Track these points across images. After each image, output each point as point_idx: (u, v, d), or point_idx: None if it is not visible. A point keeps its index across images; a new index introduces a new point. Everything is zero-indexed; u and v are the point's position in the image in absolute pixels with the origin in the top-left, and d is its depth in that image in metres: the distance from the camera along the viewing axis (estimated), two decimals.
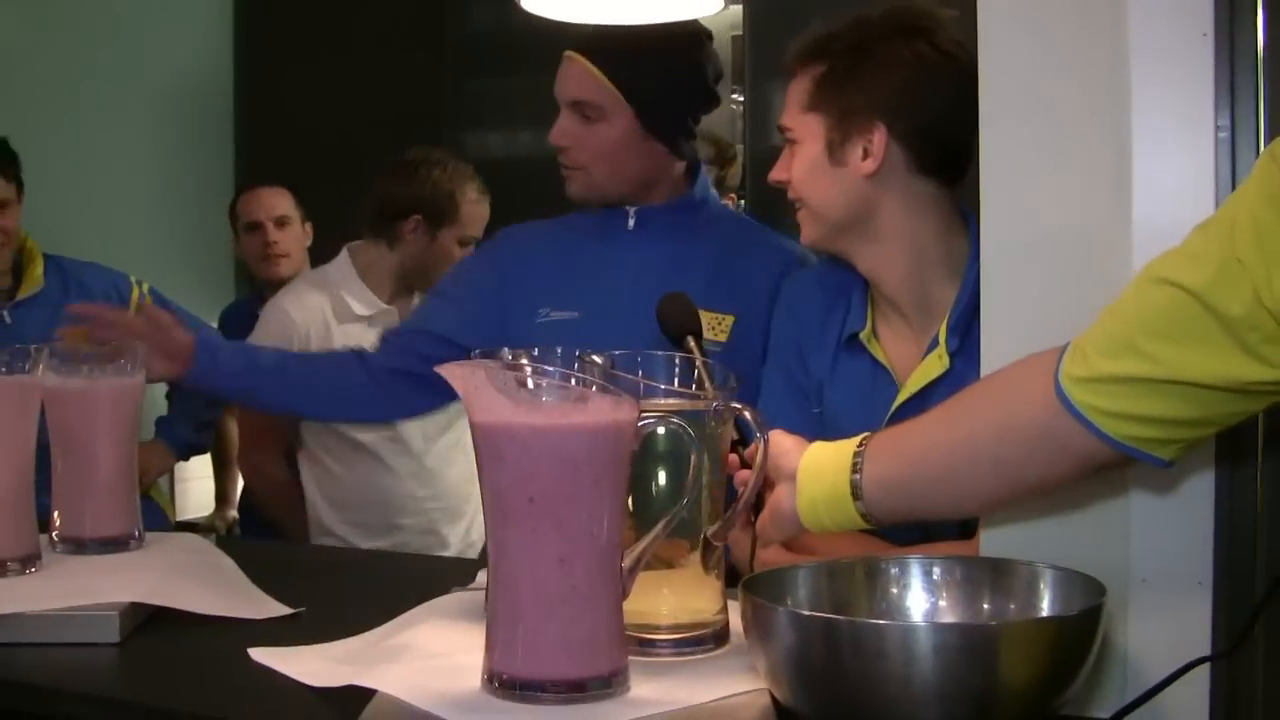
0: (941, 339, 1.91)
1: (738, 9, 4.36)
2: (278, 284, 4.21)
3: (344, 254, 3.79)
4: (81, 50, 4.84)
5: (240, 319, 4.36)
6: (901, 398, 1.93)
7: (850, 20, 1.98)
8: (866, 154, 1.93)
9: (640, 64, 2.41)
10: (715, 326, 2.37)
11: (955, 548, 1.79)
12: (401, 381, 2.58)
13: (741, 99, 4.46)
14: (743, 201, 4.27)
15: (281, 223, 4.23)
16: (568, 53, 2.45)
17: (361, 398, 2.63)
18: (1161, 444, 1.32)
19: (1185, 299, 1.24)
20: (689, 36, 2.47)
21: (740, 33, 4.40)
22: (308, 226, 4.30)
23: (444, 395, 2.56)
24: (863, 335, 2.01)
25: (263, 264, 4.23)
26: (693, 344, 1.81)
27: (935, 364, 1.91)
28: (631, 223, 2.51)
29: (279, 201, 4.25)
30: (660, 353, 1.70)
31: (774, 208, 4.21)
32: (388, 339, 2.70)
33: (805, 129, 1.97)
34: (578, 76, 2.44)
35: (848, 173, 1.95)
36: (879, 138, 1.92)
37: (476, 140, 4.82)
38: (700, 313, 2.16)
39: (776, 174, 2.02)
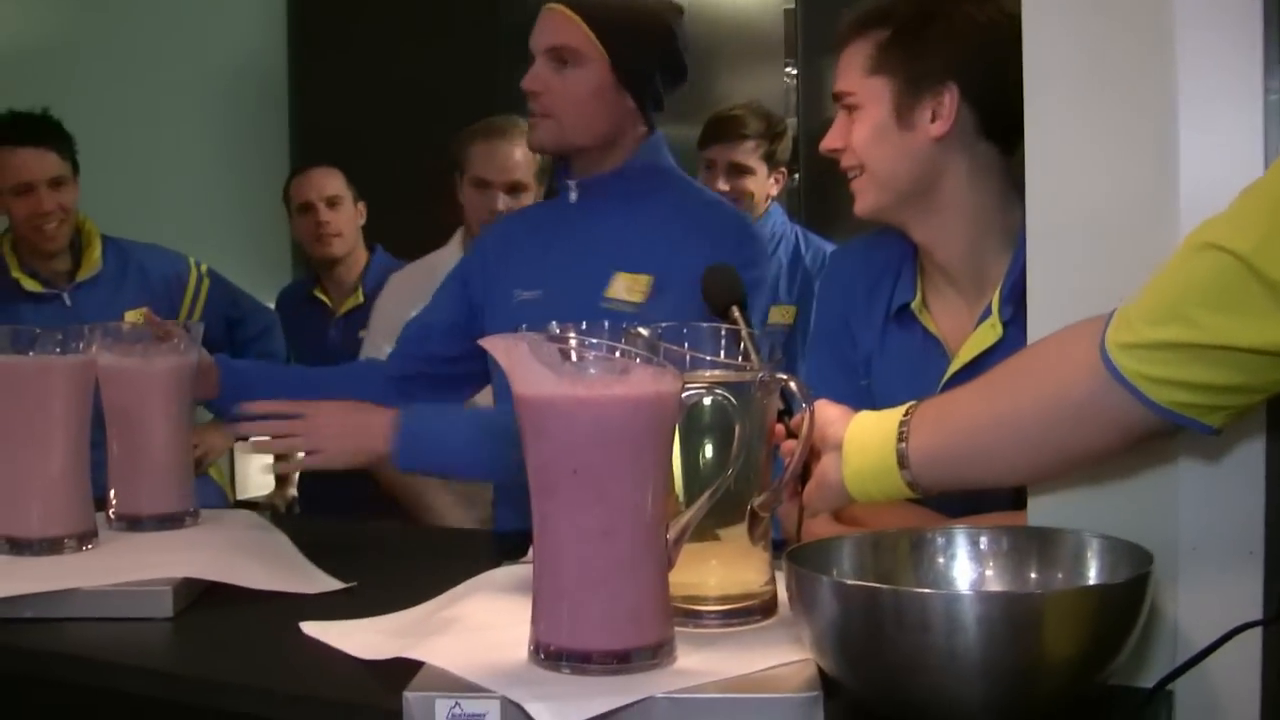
0: (995, 308, 1.89)
1: None
2: (330, 263, 4.25)
3: (455, 237, 3.81)
4: (140, 36, 4.88)
5: (297, 300, 4.39)
6: (954, 368, 1.91)
7: None
8: (935, 117, 1.91)
9: (618, 16, 2.47)
10: (631, 287, 2.40)
11: (1004, 519, 1.78)
12: (416, 385, 2.59)
13: (794, 72, 4.44)
14: (796, 176, 4.25)
15: (333, 203, 4.25)
16: (548, 5, 2.49)
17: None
18: (1208, 411, 1.31)
19: (1231, 264, 1.23)
20: (668, 4, 2.53)
21: (792, 6, 4.38)
22: (360, 206, 4.31)
23: (460, 390, 2.64)
24: (914, 306, 1.99)
25: (315, 244, 4.26)
26: (737, 314, 1.81)
27: (988, 333, 1.89)
28: (574, 196, 2.54)
29: (330, 181, 4.27)
30: (706, 324, 1.69)
31: (828, 181, 4.21)
32: (398, 347, 2.71)
33: (869, 93, 1.93)
34: (556, 23, 2.46)
35: (915, 136, 1.92)
36: (950, 100, 1.90)
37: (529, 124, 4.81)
38: (619, 275, 2.34)
39: (830, 142, 1.99)
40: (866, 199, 1.97)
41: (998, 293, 1.91)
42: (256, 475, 5.10)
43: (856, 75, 1.94)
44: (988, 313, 1.91)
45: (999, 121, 1.91)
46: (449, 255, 3.69)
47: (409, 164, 4.87)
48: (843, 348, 2.08)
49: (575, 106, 2.45)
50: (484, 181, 3.63)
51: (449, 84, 4.94)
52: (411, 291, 3.64)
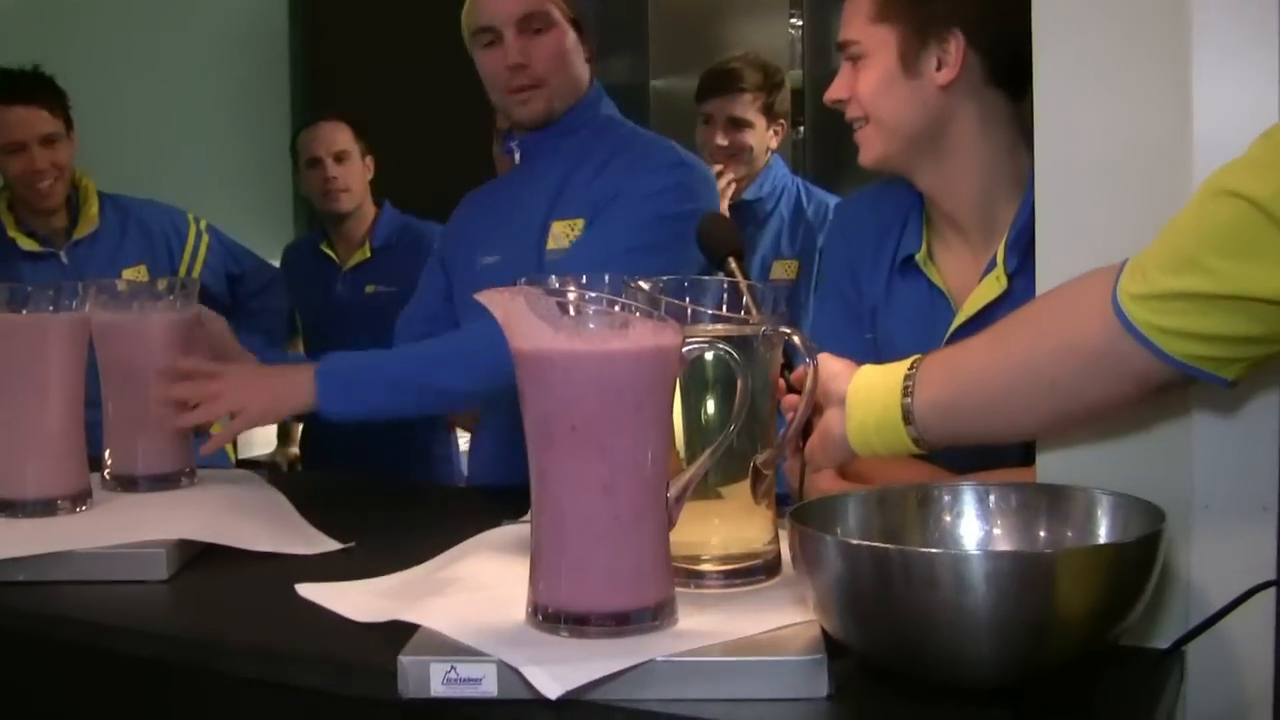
0: (1000, 259, 1.86)
1: None
2: (339, 218, 4.21)
3: None
4: None
5: (304, 255, 4.36)
6: (959, 320, 1.88)
7: None
8: (940, 65, 1.87)
9: None
10: (568, 234, 2.42)
11: (1013, 474, 1.75)
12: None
13: (799, 23, 4.39)
14: (801, 128, 4.21)
15: (340, 157, 4.20)
16: None
17: None
18: (1224, 363, 1.27)
19: (1249, 210, 1.19)
20: None
21: None
22: (369, 160, 4.27)
23: None
24: (919, 257, 1.96)
25: (323, 199, 4.22)
26: (735, 265, 1.77)
27: (993, 285, 1.86)
28: (518, 156, 2.55)
29: (338, 136, 4.23)
30: (708, 277, 1.66)
31: (833, 133, 4.16)
32: (396, 333, 2.71)
33: (875, 40, 1.89)
34: None
35: (922, 84, 1.88)
36: (956, 46, 1.86)
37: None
38: (554, 224, 2.38)
39: (835, 92, 1.94)
40: (873, 148, 1.93)
41: (1003, 243, 1.87)
42: (259, 433, 5.08)
43: (861, 24, 1.90)
44: (993, 264, 1.88)
45: (1006, 68, 1.87)
46: None
47: (415, 116, 4.83)
48: (848, 297, 2.05)
49: (559, 69, 2.47)
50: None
51: (456, 31, 4.88)
52: None
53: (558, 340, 1.34)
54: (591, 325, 1.34)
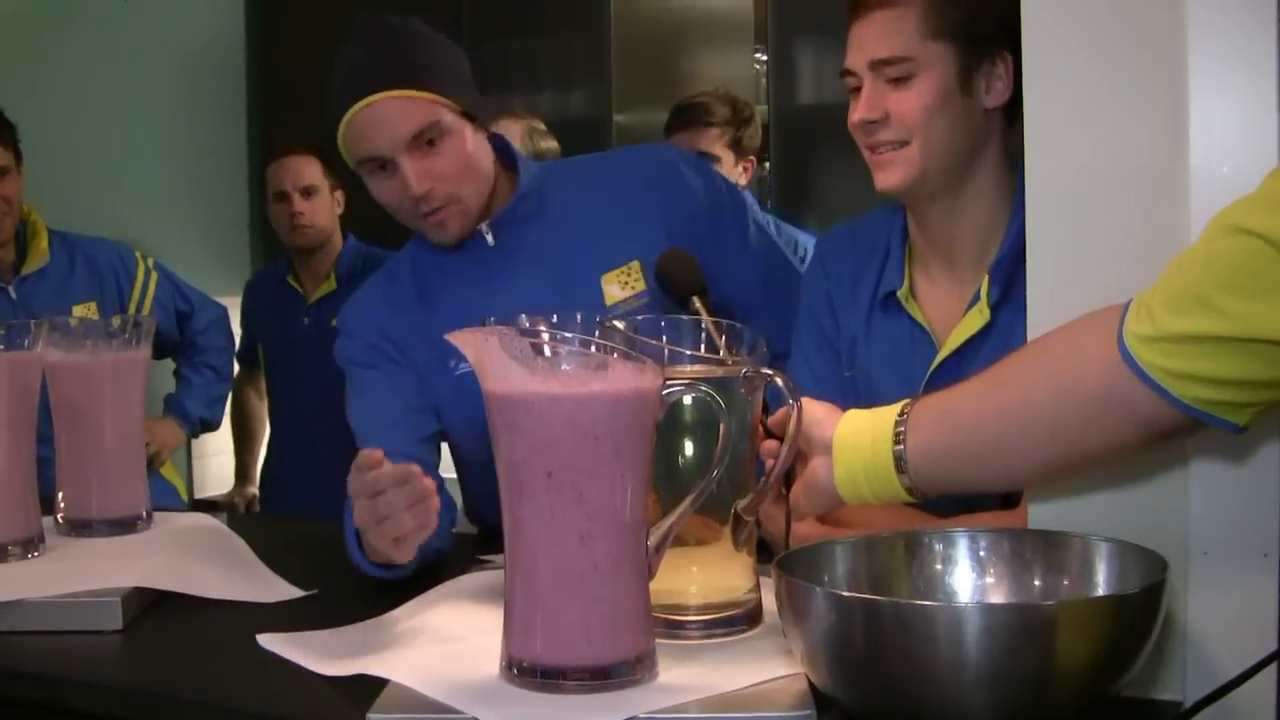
0: (983, 292, 1.81)
1: None
2: (305, 252, 4.16)
3: None
4: (90, 20, 4.74)
5: (270, 286, 4.30)
6: (941, 356, 1.83)
7: None
8: (989, 88, 1.83)
9: (459, 73, 2.19)
10: (627, 280, 2.16)
11: (999, 518, 1.70)
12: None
13: (764, 58, 4.36)
14: (766, 163, 4.18)
15: (308, 192, 4.14)
16: (367, 101, 2.11)
17: None
18: (1235, 408, 1.22)
19: (1261, 248, 1.14)
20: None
21: None
22: (339, 194, 4.21)
23: None
24: (900, 294, 1.91)
25: (290, 233, 4.16)
26: (699, 304, 1.72)
27: (976, 318, 1.81)
28: (490, 238, 2.20)
29: (305, 169, 4.16)
30: (686, 316, 1.61)
31: (800, 166, 4.15)
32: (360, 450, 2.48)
33: (929, 55, 1.81)
34: (404, 110, 2.08)
35: (973, 105, 1.83)
36: (1005, 68, 1.82)
37: (497, 102, 4.73)
38: (604, 277, 2.12)
39: (868, 112, 1.83)
40: (907, 171, 1.83)
41: (986, 275, 1.83)
42: (215, 472, 5.00)
43: (910, 38, 1.81)
44: (977, 297, 1.83)
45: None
46: None
47: None
48: (827, 333, 2.00)
49: (471, 178, 2.13)
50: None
51: None
52: None
53: (532, 382, 1.29)
54: (567, 366, 1.29)
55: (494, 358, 1.30)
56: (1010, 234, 1.82)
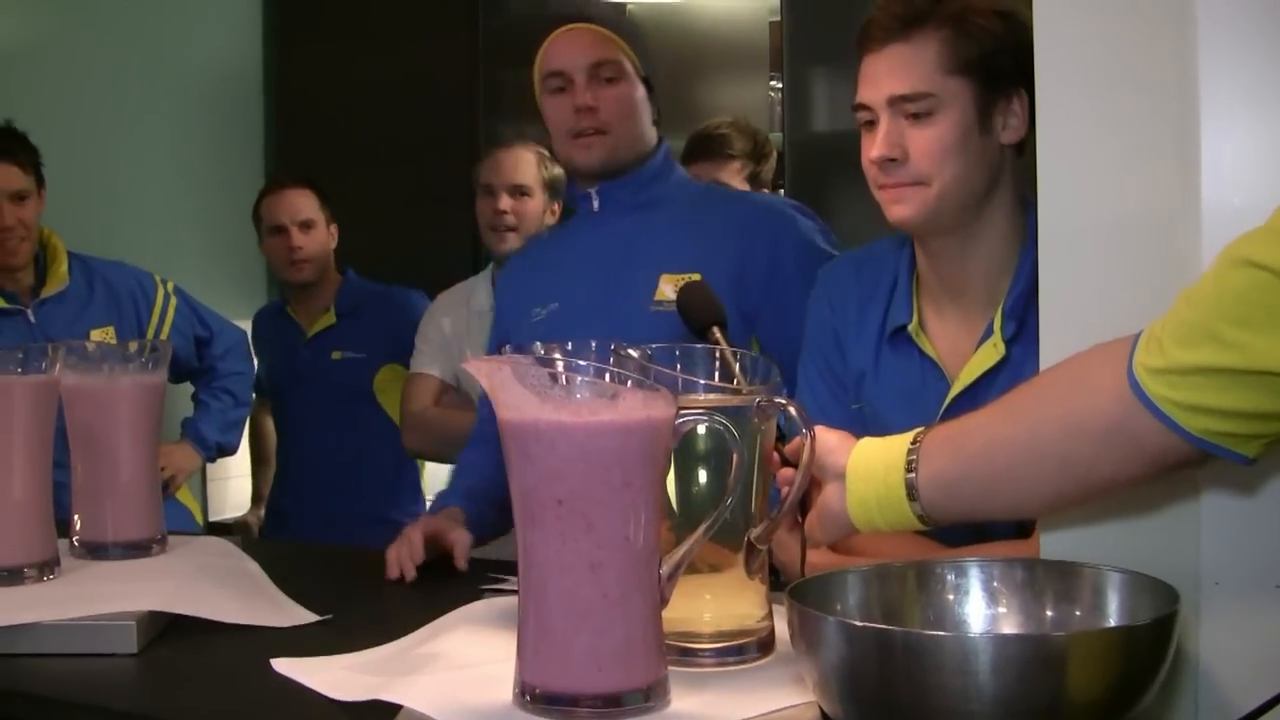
0: (996, 326, 1.81)
1: None
2: (299, 287, 4.15)
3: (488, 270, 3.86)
4: (108, 45, 4.75)
5: (272, 318, 4.30)
6: (955, 391, 1.83)
7: None
8: (1005, 124, 1.82)
9: (635, 30, 2.56)
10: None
11: (1012, 548, 1.70)
12: None
13: (780, 86, 4.37)
14: (781, 190, 4.18)
15: (306, 226, 4.11)
16: (569, 27, 2.51)
17: None
18: (1244, 440, 1.23)
19: (1269, 281, 1.15)
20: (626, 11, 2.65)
21: (778, 18, 4.31)
22: (333, 228, 4.20)
23: None
24: (910, 328, 1.91)
25: (287, 268, 4.14)
26: (718, 334, 1.73)
27: (990, 354, 1.81)
28: (596, 204, 2.52)
29: (304, 204, 4.13)
30: (699, 345, 1.61)
31: (815, 194, 4.14)
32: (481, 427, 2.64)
33: (949, 92, 1.79)
34: (592, 40, 2.47)
35: (991, 143, 1.82)
36: (1021, 105, 1.81)
37: (512, 130, 4.72)
38: (663, 277, 2.34)
39: (886, 150, 1.81)
40: (921, 207, 1.82)
41: (999, 310, 1.83)
42: (231, 495, 5.01)
43: (932, 74, 1.79)
44: (989, 332, 1.83)
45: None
46: (483, 279, 3.77)
47: (388, 175, 4.79)
48: (833, 366, 2.00)
49: (626, 119, 2.46)
50: (489, 187, 3.70)
51: (428, 90, 4.86)
52: (450, 312, 3.74)
53: (543, 410, 1.29)
54: (579, 395, 1.29)
55: (507, 386, 1.30)
56: (1024, 269, 1.81)
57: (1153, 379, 1.23)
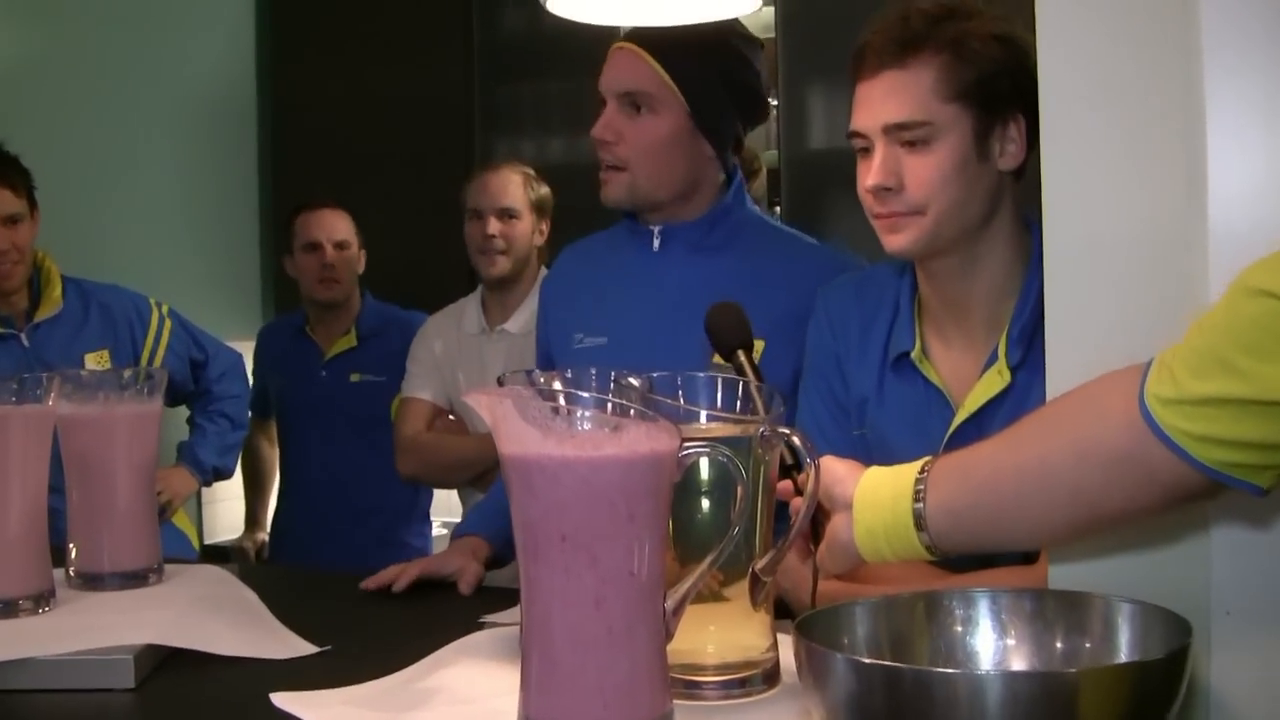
0: (1001, 353, 1.79)
1: (769, 10, 4.26)
2: (326, 306, 4.14)
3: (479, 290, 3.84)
4: (102, 65, 4.73)
5: (285, 338, 4.29)
6: (960, 418, 1.81)
7: (938, 9, 1.81)
8: (1002, 151, 1.80)
9: (696, 56, 2.27)
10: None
11: (1017, 575, 1.69)
12: None
13: (775, 103, 4.36)
14: (777, 208, 4.17)
15: (341, 246, 4.13)
16: (618, 44, 2.32)
17: None
18: (1258, 470, 1.21)
19: None
20: (744, 37, 2.35)
21: (773, 35, 4.30)
22: (362, 253, 4.21)
23: None
24: (914, 355, 1.89)
25: (317, 286, 4.14)
26: (744, 358, 1.71)
27: (995, 380, 1.79)
28: (657, 243, 2.36)
29: (340, 224, 4.16)
30: (702, 374, 1.59)
31: (812, 212, 4.13)
32: None
33: (946, 119, 1.77)
34: (630, 65, 2.28)
35: (989, 169, 1.80)
36: (1018, 129, 1.79)
37: (509, 146, 4.73)
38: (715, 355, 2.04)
39: (881, 178, 1.79)
40: (918, 235, 1.80)
41: (1004, 335, 1.81)
42: (225, 518, 4.99)
43: (928, 101, 1.77)
44: (994, 358, 1.81)
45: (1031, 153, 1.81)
46: (473, 301, 3.76)
47: (383, 192, 4.78)
48: (835, 392, 1.98)
49: (649, 157, 2.28)
50: (476, 211, 3.68)
51: (424, 107, 4.85)
52: (441, 335, 3.71)
53: (546, 444, 1.27)
54: (581, 428, 1.27)
55: (508, 419, 1.28)
56: (1029, 295, 1.80)
57: (1165, 409, 1.22)
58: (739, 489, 1.35)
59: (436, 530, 4.27)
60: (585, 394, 1.34)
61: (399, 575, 2.22)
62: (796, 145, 4.20)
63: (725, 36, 2.30)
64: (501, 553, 2.36)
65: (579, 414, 1.28)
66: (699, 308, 2.01)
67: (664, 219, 2.35)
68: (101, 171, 4.66)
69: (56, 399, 2.02)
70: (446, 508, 4.35)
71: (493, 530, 2.36)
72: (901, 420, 1.89)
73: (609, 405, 1.31)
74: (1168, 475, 1.24)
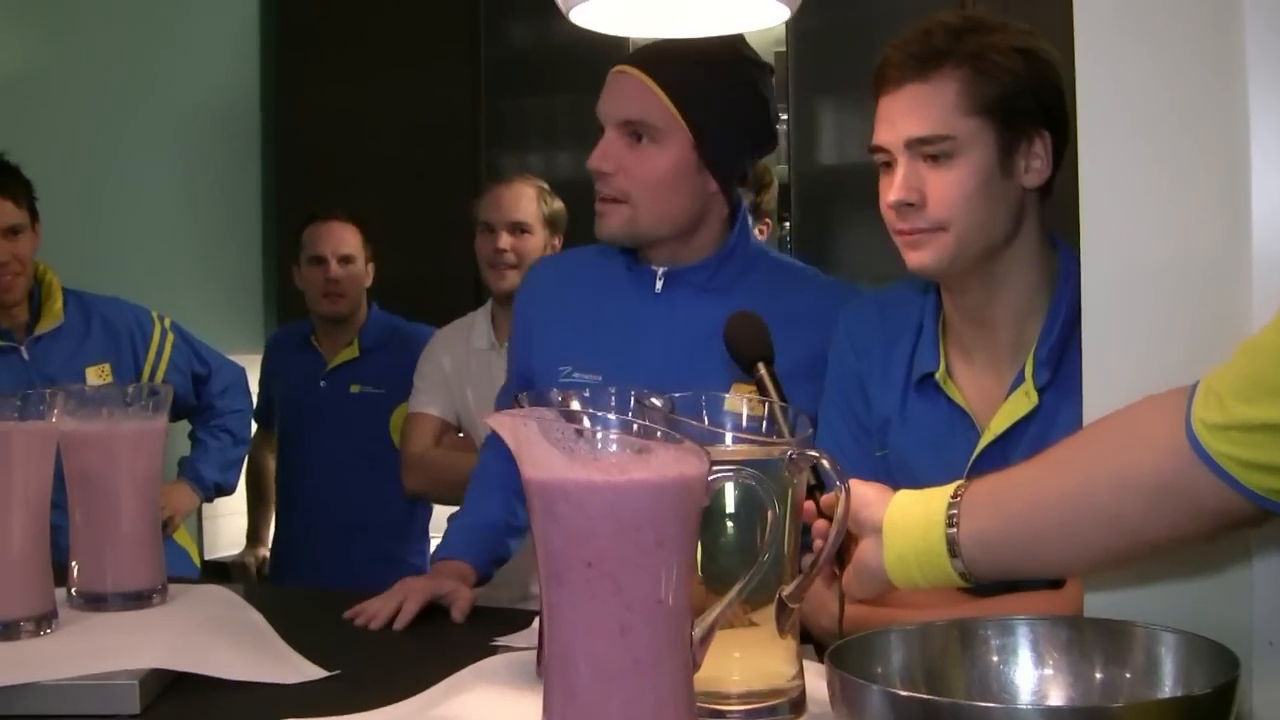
0: (1028, 374, 1.76)
1: (780, 25, 4.23)
2: (330, 320, 4.11)
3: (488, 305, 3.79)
4: (104, 77, 4.71)
5: (291, 345, 4.26)
6: (985, 441, 1.78)
7: (961, 23, 1.78)
8: (1027, 167, 1.77)
9: (704, 83, 2.15)
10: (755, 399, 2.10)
11: (1045, 599, 1.65)
12: None
13: (785, 117, 4.33)
14: (787, 223, 4.14)
15: (346, 260, 4.09)
16: (620, 67, 2.19)
17: (516, 473, 2.41)
18: None
19: None
20: (754, 64, 2.24)
21: (783, 49, 4.28)
22: (370, 267, 4.17)
23: None
24: (938, 376, 1.85)
25: (321, 299, 4.11)
26: (764, 372, 1.67)
27: (1022, 402, 1.76)
28: (659, 285, 2.24)
29: (347, 237, 4.12)
30: (726, 394, 1.55)
31: (822, 226, 4.10)
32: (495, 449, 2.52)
33: (969, 133, 1.73)
34: (632, 92, 2.16)
35: (1012, 186, 1.77)
36: (1044, 146, 1.76)
37: (514, 161, 4.70)
38: (736, 385, 1.94)
39: (904, 194, 1.75)
40: (940, 253, 1.76)
41: (1031, 357, 1.78)
42: (226, 533, 4.95)
43: (951, 115, 1.73)
44: (1020, 379, 1.78)
45: (1056, 170, 1.78)
46: (483, 315, 3.71)
47: (388, 206, 4.75)
48: (858, 413, 1.94)
49: (649, 190, 2.15)
50: (488, 224, 3.63)
51: (429, 121, 4.82)
52: (450, 350, 3.66)
53: (572, 469, 1.23)
54: (608, 452, 1.23)
55: (532, 442, 1.24)
56: (1057, 315, 1.77)
57: (1212, 435, 1.18)
58: (769, 514, 1.31)
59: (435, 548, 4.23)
60: (612, 416, 1.30)
61: (389, 609, 2.14)
62: (807, 160, 4.18)
63: (735, 61, 2.20)
64: (485, 573, 2.33)
65: (606, 437, 1.24)
66: (705, 352, 1.99)
67: (666, 257, 2.24)
68: (104, 183, 4.64)
69: (60, 415, 1.98)
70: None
71: (475, 552, 2.33)
72: (924, 442, 1.85)
73: (636, 427, 1.26)
74: (1214, 502, 1.21)
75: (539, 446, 1.24)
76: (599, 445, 1.23)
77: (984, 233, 1.76)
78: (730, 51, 2.18)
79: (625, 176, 2.16)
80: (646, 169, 2.15)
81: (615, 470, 1.22)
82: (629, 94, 2.16)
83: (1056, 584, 1.68)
